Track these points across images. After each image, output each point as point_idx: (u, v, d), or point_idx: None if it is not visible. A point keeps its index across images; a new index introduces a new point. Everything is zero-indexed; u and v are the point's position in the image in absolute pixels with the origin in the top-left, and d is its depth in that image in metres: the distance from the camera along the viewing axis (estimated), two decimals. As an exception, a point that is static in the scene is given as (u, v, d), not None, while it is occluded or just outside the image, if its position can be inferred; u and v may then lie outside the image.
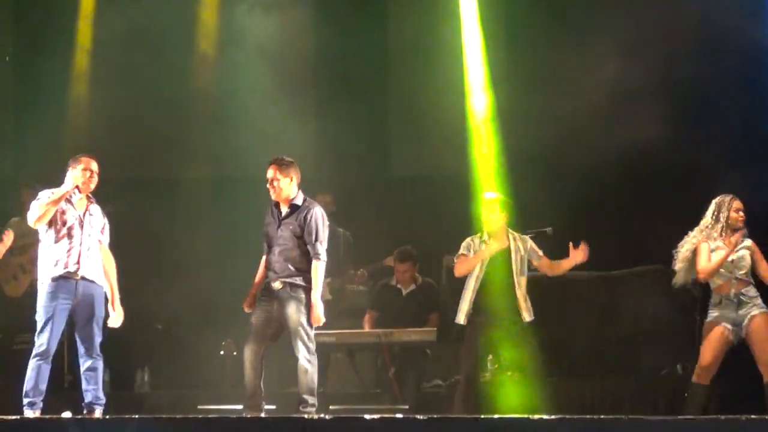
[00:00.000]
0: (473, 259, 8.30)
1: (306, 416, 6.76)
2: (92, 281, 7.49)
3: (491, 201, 8.44)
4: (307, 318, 7.57)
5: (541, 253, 8.48)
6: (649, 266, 9.70)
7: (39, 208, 7.42)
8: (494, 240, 8.34)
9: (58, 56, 10.60)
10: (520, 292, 8.34)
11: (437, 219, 10.18)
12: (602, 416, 6.71)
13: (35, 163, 10.12)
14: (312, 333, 7.59)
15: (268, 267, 7.69)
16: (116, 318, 7.62)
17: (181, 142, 10.75)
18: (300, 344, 7.52)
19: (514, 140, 10.42)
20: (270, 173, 7.67)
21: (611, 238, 9.96)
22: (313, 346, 7.57)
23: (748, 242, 7.94)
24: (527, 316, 8.35)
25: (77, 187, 7.47)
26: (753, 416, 6.85)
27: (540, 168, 10.32)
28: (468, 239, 8.46)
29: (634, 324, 9.50)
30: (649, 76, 9.89)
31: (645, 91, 9.90)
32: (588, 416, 6.97)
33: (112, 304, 7.60)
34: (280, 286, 7.60)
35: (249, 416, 7.43)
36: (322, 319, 7.64)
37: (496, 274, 8.35)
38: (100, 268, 7.55)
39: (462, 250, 8.41)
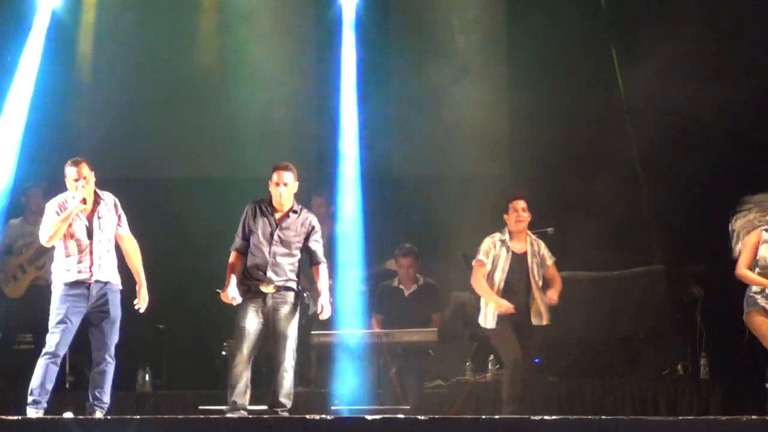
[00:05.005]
0: (484, 293, 8.28)
1: (307, 416, 6.76)
2: (106, 282, 7.44)
3: (519, 202, 8.40)
4: (299, 323, 7.64)
5: (550, 262, 8.48)
6: (649, 266, 9.72)
7: (50, 228, 7.38)
8: (516, 241, 8.34)
9: (59, 56, 10.60)
10: (538, 294, 8.35)
11: (440, 220, 10.18)
12: (602, 416, 6.72)
13: (35, 162, 10.12)
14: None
15: (255, 269, 7.64)
16: (142, 303, 7.55)
17: (183, 143, 10.74)
18: (289, 349, 7.55)
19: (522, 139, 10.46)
20: (284, 177, 7.67)
21: (611, 238, 9.98)
22: (295, 352, 7.62)
23: None
24: (543, 319, 8.35)
25: (84, 199, 7.42)
26: (753, 416, 6.87)
27: (543, 167, 10.34)
28: (488, 241, 8.38)
29: (634, 324, 9.52)
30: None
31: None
32: (588, 416, 6.99)
33: (139, 291, 7.54)
34: (274, 290, 7.61)
35: (250, 417, 7.44)
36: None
37: (516, 277, 8.35)
38: (114, 270, 7.48)
39: (481, 255, 8.36)
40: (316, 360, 9.71)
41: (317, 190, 10.08)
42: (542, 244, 8.49)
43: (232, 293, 7.61)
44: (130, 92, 10.71)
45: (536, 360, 9.38)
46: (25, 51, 10.43)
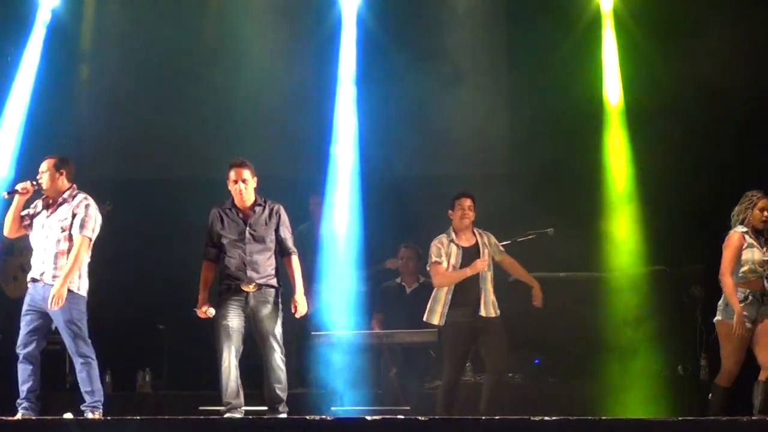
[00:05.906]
0: (456, 275, 8.33)
1: (307, 417, 6.77)
2: (48, 284, 7.36)
3: (466, 200, 8.45)
4: (283, 319, 7.61)
5: (502, 249, 8.52)
6: (649, 266, 9.72)
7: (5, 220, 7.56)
8: (462, 237, 8.41)
9: (59, 55, 10.60)
10: (485, 287, 8.34)
11: (439, 221, 10.17)
12: (602, 416, 6.72)
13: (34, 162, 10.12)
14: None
15: (234, 270, 7.57)
16: (51, 295, 7.30)
17: (183, 142, 10.73)
18: (276, 345, 7.54)
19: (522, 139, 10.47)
20: (242, 174, 7.62)
21: (611, 239, 9.99)
22: (282, 347, 7.60)
23: None
24: (491, 311, 8.34)
25: (19, 192, 7.45)
26: (753, 417, 6.88)
27: (543, 167, 10.35)
28: (436, 243, 8.46)
29: (634, 324, 9.51)
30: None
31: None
32: (588, 416, 6.99)
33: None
34: (256, 289, 7.57)
35: (251, 417, 7.45)
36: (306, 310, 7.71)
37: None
38: (60, 270, 7.35)
39: (434, 257, 8.43)
40: (316, 360, 9.71)
41: (316, 190, 10.10)
42: (491, 235, 8.53)
43: (205, 308, 7.62)
44: (130, 90, 10.71)
45: (536, 360, 9.39)
46: (26, 50, 10.45)
